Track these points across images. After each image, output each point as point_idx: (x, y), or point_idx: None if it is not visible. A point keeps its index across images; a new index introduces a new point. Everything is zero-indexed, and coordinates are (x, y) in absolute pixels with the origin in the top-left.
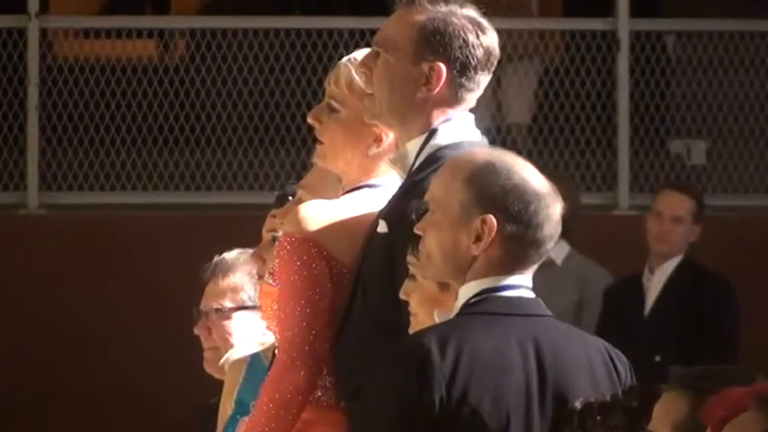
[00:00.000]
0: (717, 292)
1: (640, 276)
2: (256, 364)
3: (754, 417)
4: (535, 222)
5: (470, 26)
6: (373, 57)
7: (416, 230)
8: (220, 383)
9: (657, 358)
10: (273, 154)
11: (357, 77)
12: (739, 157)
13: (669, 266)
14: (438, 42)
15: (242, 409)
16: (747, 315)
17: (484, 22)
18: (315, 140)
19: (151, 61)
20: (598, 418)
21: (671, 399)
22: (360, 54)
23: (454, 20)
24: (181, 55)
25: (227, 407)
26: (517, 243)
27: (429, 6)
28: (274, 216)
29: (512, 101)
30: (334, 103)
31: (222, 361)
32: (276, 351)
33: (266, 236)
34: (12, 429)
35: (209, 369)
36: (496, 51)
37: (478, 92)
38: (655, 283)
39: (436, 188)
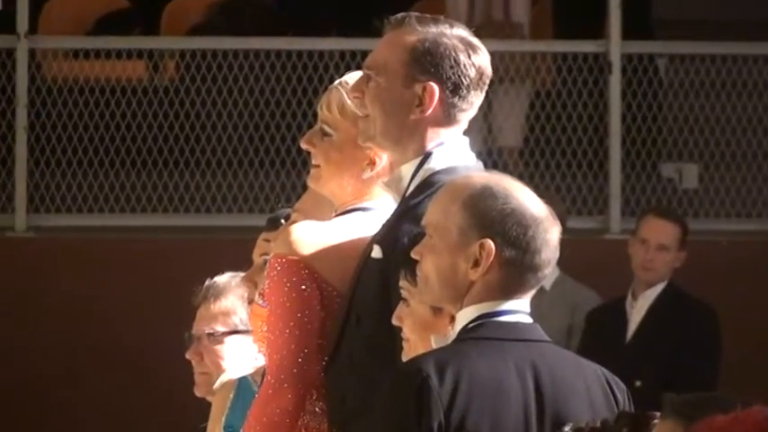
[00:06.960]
0: (700, 320)
1: (623, 301)
2: (245, 388)
3: None
4: (533, 247)
5: (461, 46)
6: (365, 80)
7: (413, 255)
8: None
9: (638, 383)
10: (264, 176)
11: (349, 101)
12: (731, 181)
13: (653, 293)
14: (429, 63)
15: None
16: (735, 339)
17: (475, 41)
18: (308, 163)
19: (141, 82)
20: None
21: (666, 426)
22: (351, 77)
23: (445, 40)
24: (171, 76)
25: (215, 431)
26: (515, 268)
27: (419, 27)
28: (266, 240)
29: (503, 124)
30: (327, 128)
31: (216, 385)
32: (265, 374)
33: (258, 260)
34: None
35: (199, 393)
36: (488, 71)
37: (472, 112)
38: (638, 309)
39: (434, 212)
